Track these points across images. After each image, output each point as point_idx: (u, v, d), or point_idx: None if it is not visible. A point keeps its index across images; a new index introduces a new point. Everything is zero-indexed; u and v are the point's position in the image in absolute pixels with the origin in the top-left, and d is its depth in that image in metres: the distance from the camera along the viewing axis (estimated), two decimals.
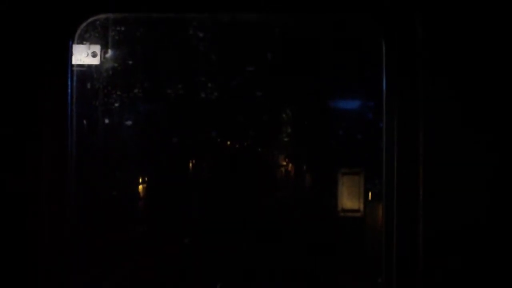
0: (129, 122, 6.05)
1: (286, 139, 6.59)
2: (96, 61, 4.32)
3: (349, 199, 5.85)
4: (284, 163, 6.72)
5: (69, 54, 3.29)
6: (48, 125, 3.19)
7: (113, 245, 6.07)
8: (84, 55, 4.32)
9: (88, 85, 5.54)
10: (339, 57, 5.92)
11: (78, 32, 3.38)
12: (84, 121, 5.34)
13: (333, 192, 5.92)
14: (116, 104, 5.89)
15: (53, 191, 3.18)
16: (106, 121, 5.86)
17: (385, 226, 3.16)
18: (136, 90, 6.02)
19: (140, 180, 6.47)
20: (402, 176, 3.21)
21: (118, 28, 5.61)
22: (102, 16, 3.49)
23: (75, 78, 3.34)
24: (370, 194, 5.83)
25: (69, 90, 3.28)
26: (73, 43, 3.34)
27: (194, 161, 6.56)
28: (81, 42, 4.18)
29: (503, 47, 3.10)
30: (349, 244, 5.99)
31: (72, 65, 3.34)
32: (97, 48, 4.31)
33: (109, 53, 5.66)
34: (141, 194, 6.46)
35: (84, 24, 3.34)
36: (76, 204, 3.29)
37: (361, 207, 5.86)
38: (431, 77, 3.12)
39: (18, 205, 3.10)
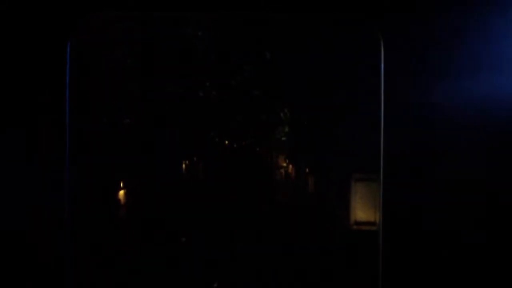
0: (126, 121, 6.04)
1: (291, 141, 6.46)
2: None
3: (363, 210, 5.12)
4: (290, 168, 6.46)
5: (67, 53, 3.29)
6: (46, 124, 3.19)
7: (111, 245, 6.07)
8: None
9: (86, 84, 5.54)
10: (339, 57, 5.91)
11: (76, 31, 3.38)
12: (82, 120, 5.34)
13: (346, 201, 5.20)
14: (114, 103, 5.89)
15: (51, 188, 3.19)
16: (104, 119, 5.86)
17: (383, 233, 3.13)
18: (133, 89, 6.02)
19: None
20: (401, 180, 3.18)
21: (116, 27, 5.61)
22: (100, 15, 3.48)
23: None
24: None
25: (67, 89, 3.28)
26: (71, 42, 3.34)
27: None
28: (79, 40, 4.16)
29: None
30: (362, 262, 5.16)
31: (71, 63, 3.34)
32: None
33: (107, 51, 5.66)
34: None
35: (82, 23, 3.33)
36: (74, 204, 3.29)
37: (378, 219, 5.12)
38: (427, 77, 3.12)
39: (16, 205, 3.11)
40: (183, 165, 6.74)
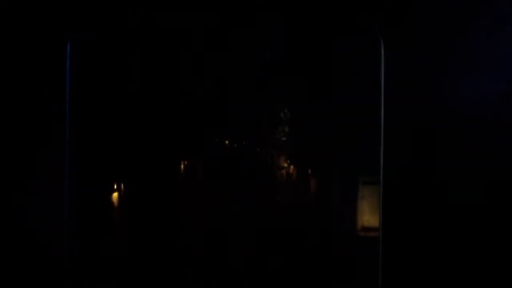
0: (125, 122, 6.03)
1: (291, 141, 6.40)
2: None
3: (371, 215, 4.91)
4: (291, 169, 6.37)
5: (67, 55, 3.29)
6: (47, 124, 3.18)
7: (110, 245, 6.06)
8: None
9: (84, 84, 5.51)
10: (339, 56, 5.88)
11: (75, 33, 3.38)
12: (81, 122, 5.33)
13: (352, 205, 5.01)
14: (113, 104, 5.87)
15: (51, 190, 3.18)
16: (103, 120, 5.84)
17: (382, 238, 3.09)
18: (133, 90, 6.01)
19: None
20: (402, 183, 3.16)
21: (115, 27, 5.59)
22: (99, 16, 3.48)
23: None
24: None
25: (67, 89, 3.28)
26: (71, 42, 3.33)
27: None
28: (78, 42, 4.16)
29: None
30: (368, 270, 4.78)
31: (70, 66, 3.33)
32: None
33: (106, 52, 5.64)
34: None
35: (81, 24, 3.33)
36: (72, 206, 3.28)
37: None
38: (428, 76, 3.10)
39: (16, 207, 3.10)
40: (182, 165, 6.72)
